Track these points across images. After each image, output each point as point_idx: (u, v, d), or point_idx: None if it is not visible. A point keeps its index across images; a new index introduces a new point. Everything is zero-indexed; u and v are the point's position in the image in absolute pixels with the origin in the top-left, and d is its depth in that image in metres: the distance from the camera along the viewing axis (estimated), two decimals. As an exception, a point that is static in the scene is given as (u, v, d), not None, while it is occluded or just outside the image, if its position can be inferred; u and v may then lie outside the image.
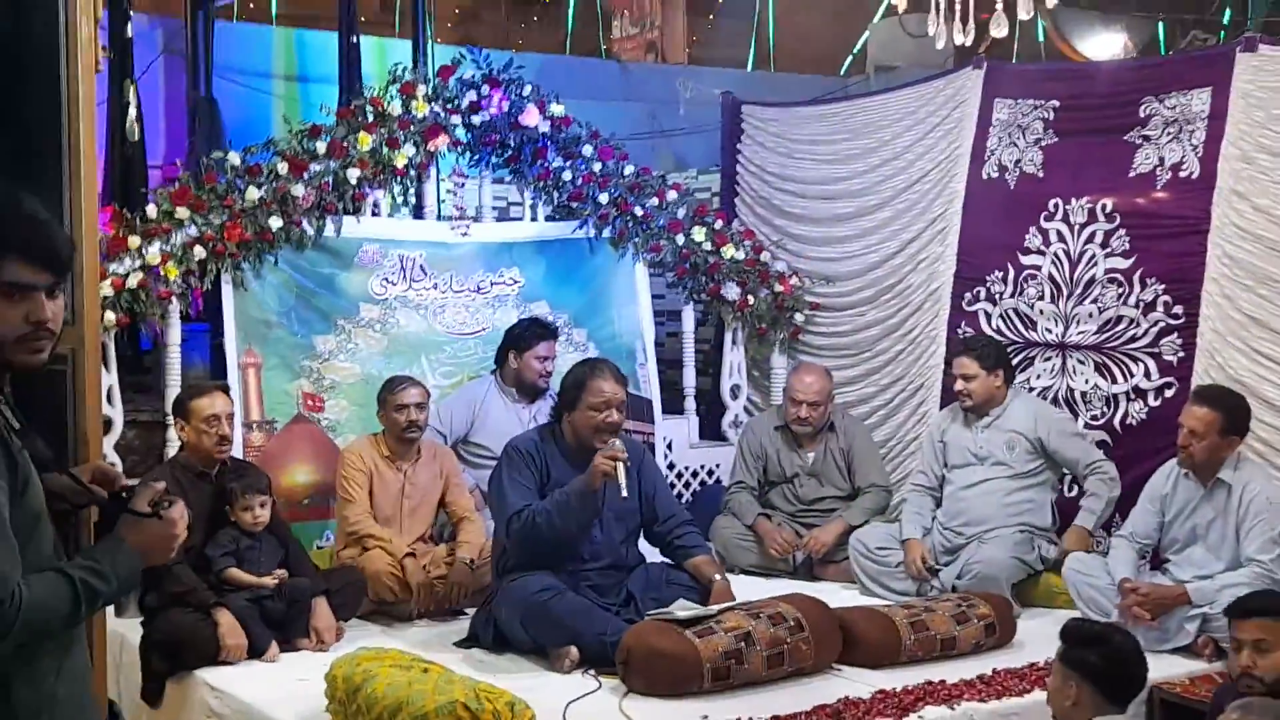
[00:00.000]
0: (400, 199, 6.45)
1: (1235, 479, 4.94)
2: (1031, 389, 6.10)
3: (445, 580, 5.36)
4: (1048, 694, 3.65)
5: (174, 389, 5.76)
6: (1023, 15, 5.10)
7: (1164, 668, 4.65)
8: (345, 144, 6.07)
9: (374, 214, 6.33)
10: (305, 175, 5.96)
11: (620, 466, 4.63)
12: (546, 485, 4.84)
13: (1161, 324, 5.82)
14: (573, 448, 4.90)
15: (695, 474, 7.13)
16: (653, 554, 5.25)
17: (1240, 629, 3.80)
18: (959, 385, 5.77)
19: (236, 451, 5.41)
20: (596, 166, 6.79)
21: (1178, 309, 5.77)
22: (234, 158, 5.93)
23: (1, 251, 2.24)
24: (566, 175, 6.74)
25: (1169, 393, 5.77)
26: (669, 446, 7.03)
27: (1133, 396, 5.92)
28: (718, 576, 4.95)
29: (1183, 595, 4.90)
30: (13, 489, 2.21)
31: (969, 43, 5.23)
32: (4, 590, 2.15)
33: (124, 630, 4.92)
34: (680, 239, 6.99)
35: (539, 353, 6.07)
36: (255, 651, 4.72)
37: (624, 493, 4.69)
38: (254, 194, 5.82)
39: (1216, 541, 4.98)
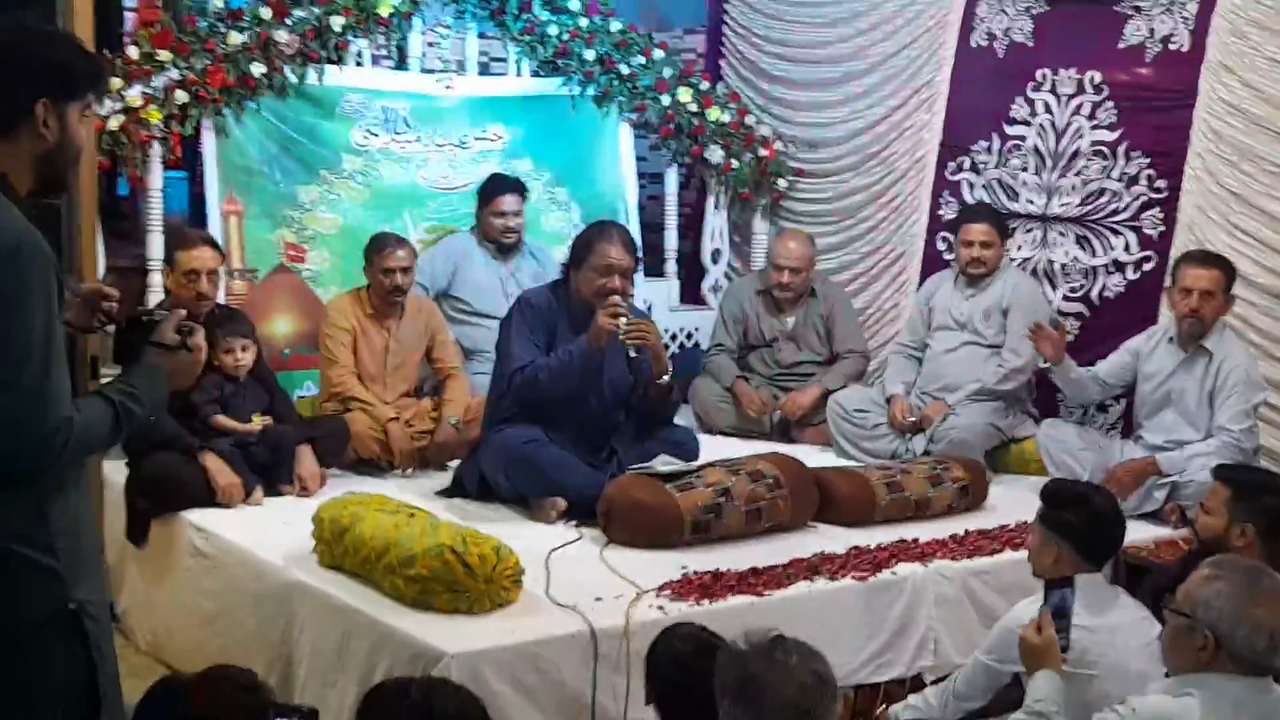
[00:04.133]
0: (384, 49, 6.36)
1: (1217, 347, 5.02)
2: (1012, 260, 6.14)
3: (431, 441, 5.40)
4: (1029, 553, 3.71)
5: (155, 235, 5.73)
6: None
7: (1131, 532, 4.70)
8: (329, -11, 5.98)
9: (357, 64, 6.26)
10: (288, 21, 5.87)
11: (623, 322, 4.64)
12: (554, 342, 4.83)
13: (1144, 198, 5.85)
14: (579, 307, 4.88)
15: (674, 337, 7.16)
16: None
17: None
18: (975, 252, 5.78)
19: (219, 300, 5.39)
20: (583, 22, 6.71)
21: (1160, 183, 5.79)
22: (216, 0, 5.82)
23: (88, 90, 2.43)
24: (552, 30, 6.66)
25: (1147, 266, 5.82)
26: (649, 309, 7.04)
27: (1111, 269, 5.97)
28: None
29: (1151, 465, 5.01)
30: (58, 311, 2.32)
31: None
32: (61, 414, 2.28)
33: (108, 471, 4.95)
34: (665, 99, 6.94)
35: (499, 207, 6.06)
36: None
37: (632, 352, 4.71)
38: (236, 38, 5.74)
39: (1190, 407, 5.08)
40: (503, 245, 6.11)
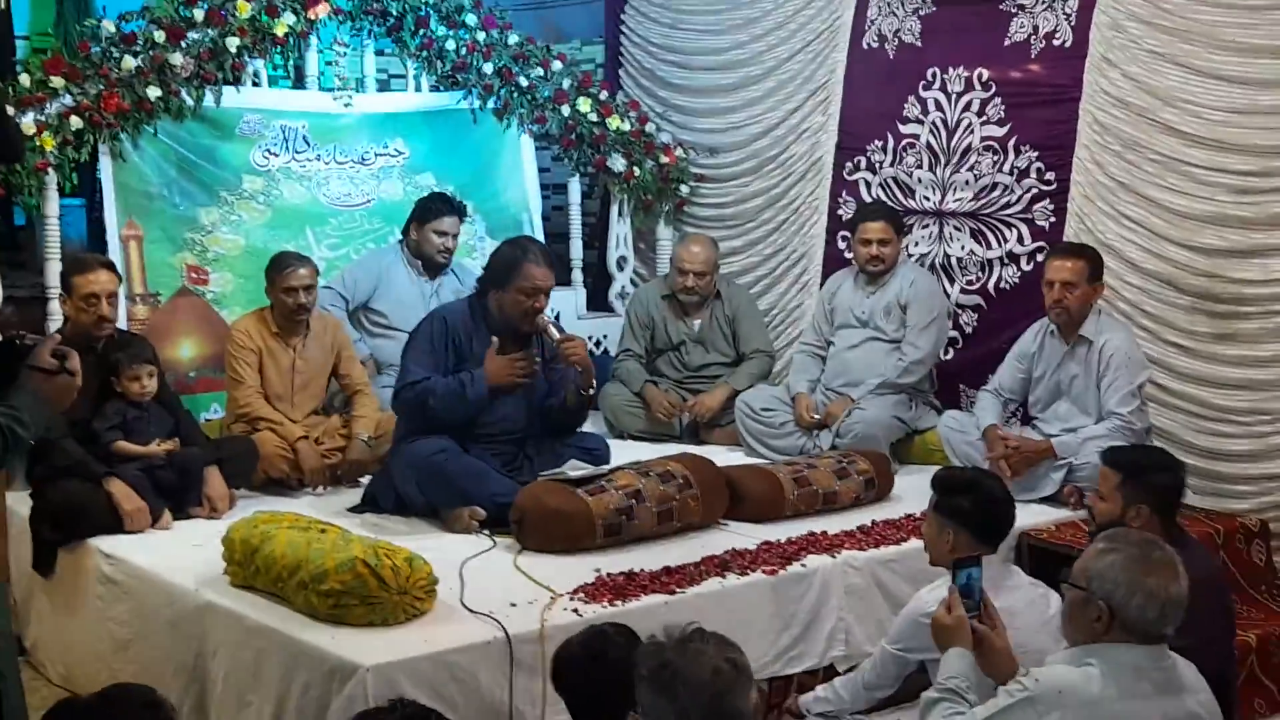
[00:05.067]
0: (281, 69, 6.36)
1: (1097, 335, 5.15)
2: (909, 256, 6.26)
3: (343, 459, 5.39)
4: (925, 543, 3.80)
5: (54, 263, 5.68)
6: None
7: (1032, 516, 4.91)
8: (223, 11, 5.95)
9: (254, 84, 6.24)
10: (183, 43, 5.85)
11: (553, 329, 4.88)
12: (467, 359, 4.86)
13: (1034, 190, 5.99)
14: (497, 324, 4.91)
15: (583, 344, 7.20)
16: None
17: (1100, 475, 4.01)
18: (873, 250, 5.88)
19: (121, 325, 5.36)
20: (480, 36, 6.76)
21: (1050, 175, 5.94)
22: (108, 25, 5.78)
23: None
24: (450, 45, 6.69)
25: (1040, 257, 5.93)
26: (557, 318, 7.07)
27: (1006, 261, 6.11)
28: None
29: (1048, 449, 5.14)
30: None
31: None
32: None
33: (12, 502, 4.89)
34: (565, 110, 6.99)
35: (440, 226, 6.07)
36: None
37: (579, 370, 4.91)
38: (130, 63, 5.71)
39: (1080, 395, 5.21)
40: (435, 264, 6.12)
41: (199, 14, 5.92)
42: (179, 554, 4.44)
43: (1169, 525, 3.79)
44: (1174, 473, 3.91)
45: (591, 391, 5.01)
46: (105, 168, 5.86)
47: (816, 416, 5.80)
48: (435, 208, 6.09)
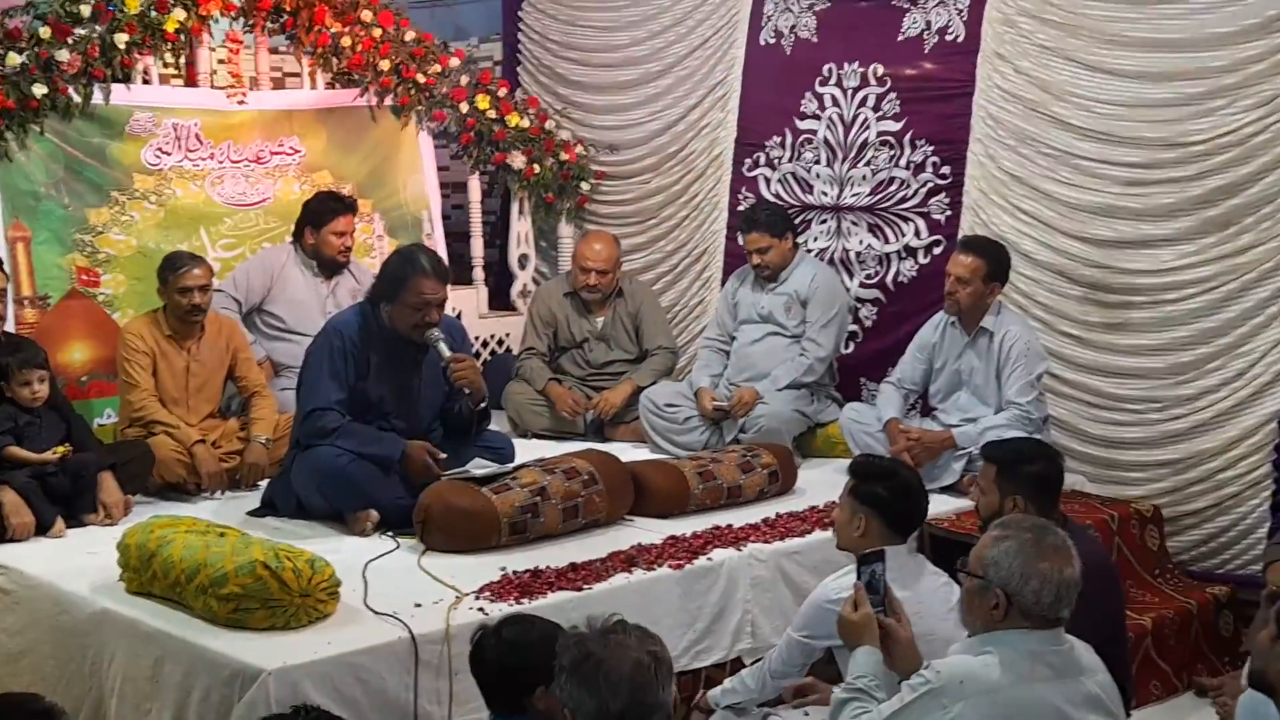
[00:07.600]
0: (172, 66, 6.23)
1: (996, 326, 5.25)
2: (809, 251, 6.30)
3: (240, 462, 5.31)
4: (835, 526, 3.80)
5: (-66, 266, 5.51)
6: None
7: (933, 505, 4.90)
8: (111, 7, 5.81)
9: (145, 81, 6.11)
10: (70, 39, 5.70)
11: (443, 346, 4.77)
12: (369, 369, 4.78)
13: (930, 184, 6.07)
14: (390, 335, 4.84)
15: (485, 344, 7.17)
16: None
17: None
18: (755, 260, 5.93)
19: (9, 329, 5.22)
20: (376, 32, 6.67)
21: (945, 169, 6.02)
22: (-10, 21, 5.63)
23: None
24: (345, 41, 6.60)
25: (937, 250, 6.04)
26: (458, 317, 7.02)
27: (904, 255, 6.18)
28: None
29: (949, 439, 5.21)
30: None
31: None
32: None
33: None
34: (464, 107, 6.94)
35: (337, 228, 5.99)
36: (41, 528, 4.62)
37: (467, 390, 4.89)
38: (15, 59, 5.55)
39: (980, 386, 5.30)
40: (334, 264, 6.03)
41: (86, 9, 5.76)
42: (72, 561, 4.33)
43: (1050, 515, 3.83)
44: (1049, 463, 3.93)
45: (483, 406, 4.98)
46: (-11, 166, 5.71)
47: (720, 403, 5.81)
48: (329, 207, 6.01)
